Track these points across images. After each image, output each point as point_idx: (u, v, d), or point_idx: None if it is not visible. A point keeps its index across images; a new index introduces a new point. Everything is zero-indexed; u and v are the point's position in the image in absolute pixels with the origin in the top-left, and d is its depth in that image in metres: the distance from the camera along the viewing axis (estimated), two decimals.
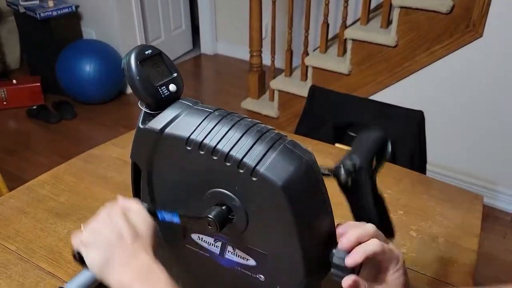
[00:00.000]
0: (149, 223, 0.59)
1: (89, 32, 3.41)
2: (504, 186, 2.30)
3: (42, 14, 3.03)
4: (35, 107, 3.11)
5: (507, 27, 2.01)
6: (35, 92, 3.20)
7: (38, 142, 2.93)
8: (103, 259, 0.55)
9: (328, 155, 1.25)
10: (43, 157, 2.72)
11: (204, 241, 0.66)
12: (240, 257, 0.63)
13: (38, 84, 3.20)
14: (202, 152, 0.57)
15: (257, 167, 0.54)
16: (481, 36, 2.06)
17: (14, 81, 3.21)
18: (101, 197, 1.05)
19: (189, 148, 0.58)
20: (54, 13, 3.09)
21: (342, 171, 0.62)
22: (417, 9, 2.13)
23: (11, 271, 0.84)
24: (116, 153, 1.21)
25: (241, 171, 0.55)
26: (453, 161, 2.38)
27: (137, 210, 0.60)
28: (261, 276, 0.63)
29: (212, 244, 0.65)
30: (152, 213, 0.61)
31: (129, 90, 3.46)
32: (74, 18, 3.31)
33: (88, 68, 3.04)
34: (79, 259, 0.58)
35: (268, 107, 2.86)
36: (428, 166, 1.61)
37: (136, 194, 0.69)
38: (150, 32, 3.60)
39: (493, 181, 2.31)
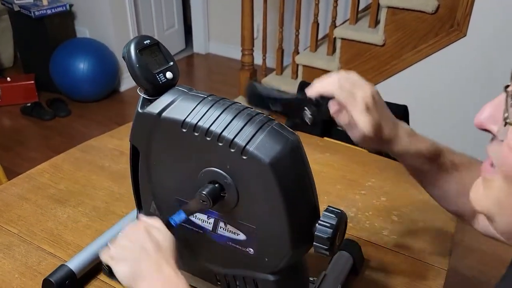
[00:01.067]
0: (169, 237, 0.64)
1: (83, 30, 3.45)
2: None
3: (36, 13, 3.06)
4: (29, 104, 3.15)
5: (490, 26, 2.09)
6: (29, 89, 3.23)
7: (32, 139, 2.96)
8: (130, 272, 0.60)
9: (316, 147, 1.30)
10: (37, 153, 2.75)
11: (198, 218, 0.71)
12: (231, 232, 0.68)
13: (32, 82, 3.23)
14: (196, 134, 0.62)
15: (247, 146, 0.59)
16: (465, 35, 2.13)
17: (8, 78, 3.24)
18: (98, 185, 1.10)
19: (184, 130, 0.63)
20: (48, 12, 3.13)
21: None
22: (404, 9, 2.20)
23: (14, 251, 0.89)
24: (113, 144, 1.26)
25: (232, 150, 0.60)
26: None
27: (157, 227, 0.65)
28: (251, 249, 0.68)
29: (205, 221, 0.71)
30: (169, 225, 0.66)
31: (122, 88, 3.50)
32: (68, 16, 3.34)
33: (82, 66, 3.08)
34: (109, 272, 0.65)
35: None
36: None
37: (135, 175, 0.74)
38: (144, 31, 3.65)
39: None
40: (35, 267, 0.85)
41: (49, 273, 0.78)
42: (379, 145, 0.73)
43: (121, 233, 0.65)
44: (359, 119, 0.67)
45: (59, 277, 0.78)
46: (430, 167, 0.75)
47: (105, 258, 0.64)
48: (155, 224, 0.65)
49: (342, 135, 1.59)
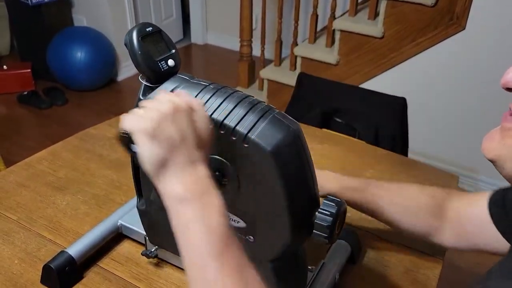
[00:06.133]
0: (210, 131, 0.55)
1: (80, 19, 3.43)
2: (485, 175, 2.39)
3: (33, 0, 3.04)
4: (26, 93, 3.14)
5: (489, 20, 2.09)
6: (26, 78, 3.22)
7: (29, 127, 2.95)
8: (161, 157, 0.50)
9: (315, 138, 1.31)
10: (33, 142, 2.74)
11: None
12: (232, 220, 0.69)
13: (29, 70, 3.22)
14: None
15: (249, 134, 0.60)
16: (464, 28, 2.13)
17: (5, 67, 3.23)
18: (97, 173, 1.10)
19: None
20: (46, 0, 3.10)
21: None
22: (403, 1, 2.20)
23: (14, 238, 0.89)
24: (112, 133, 1.26)
25: (234, 138, 0.60)
26: (434, 150, 2.46)
27: (202, 115, 0.55)
28: (251, 237, 0.69)
29: None
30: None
31: (120, 78, 3.49)
32: (65, 5, 3.32)
33: (79, 54, 3.06)
34: (126, 142, 0.53)
35: (257, 96, 2.84)
36: (410, 154, 1.68)
37: (135, 162, 0.74)
38: (141, 20, 3.62)
39: (474, 170, 2.40)
40: (35, 253, 0.86)
41: (48, 259, 0.79)
42: None
43: (158, 106, 0.52)
44: None
45: (59, 263, 0.78)
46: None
47: (130, 125, 0.51)
48: (200, 111, 0.54)
49: (340, 127, 1.60)
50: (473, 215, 0.77)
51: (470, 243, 0.79)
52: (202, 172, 0.52)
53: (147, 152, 0.50)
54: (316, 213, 0.65)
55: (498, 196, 0.75)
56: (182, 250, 0.51)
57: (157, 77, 0.67)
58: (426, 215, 0.81)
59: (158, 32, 0.68)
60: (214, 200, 0.51)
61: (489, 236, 0.75)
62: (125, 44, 0.66)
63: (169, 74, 0.67)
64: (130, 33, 0.65)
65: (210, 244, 0.49)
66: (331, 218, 0.63)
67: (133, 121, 0.51)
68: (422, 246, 0.92)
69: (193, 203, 0.50)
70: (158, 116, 0.51)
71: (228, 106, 0.62)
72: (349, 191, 0.82)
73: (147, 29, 0.66)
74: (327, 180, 0.83)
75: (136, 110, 0.52)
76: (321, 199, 0.66)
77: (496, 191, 0.77)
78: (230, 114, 0.61)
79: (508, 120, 0.53)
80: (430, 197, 0.83)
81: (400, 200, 0.83)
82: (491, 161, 0.56)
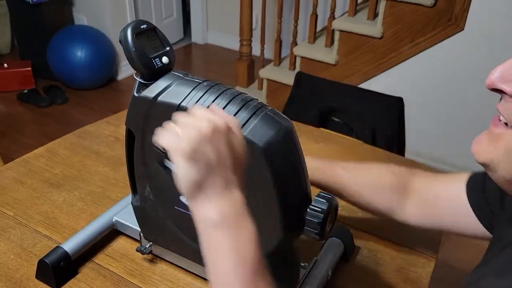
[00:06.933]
0: (245, 153, 0.53)
1: (81, 18, 3.43)
2: None
3: None
4: (25, 91, 3.14)
5: (487, 21, 2.09)
6: (26, 76, 3.22)
7: (28, 125, 2.96)
8: (197, 180, 0.48)
9: (312, 137, 1.31)
10: (33, 140, 2.75)
11: None
12: None
13: (29, 68, 3.22)
14: None
15: (241, 131, 0.60)
16: (462, 29, 2.14)
17: (5, 65, 3.23)
18: (94, 170, 1.11)
19: None
20: None
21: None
22: (402, 1, 2.20)
23: (10, 233, 0.90)
24: (109, 131, 1.26)
25: None
26: (432, 150, 2.47)
27: (239, 136, 0.53)
28: None
29: None
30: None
31: (120, 77, 3.50)
32: (65, 3, 3.33)
33: (79, 53, 3.07)
34: (161, 158, 0.52)
35: (256, 96, 2.89)
36: (407, 155, 1.68)
37: (130, 158, 0.75)
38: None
39: (470, 170, 2.40)
40: (31, 249, 0.86)
41: (44, 255, 0.79)
42: None
43: (197, 124, 0.49)
44: None
45: (54, 258, 0.79)
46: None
47: (167, 142, 0.49)
48: (236, 131, 0.52)
49: (337, 126, 1.61)
50: (447, 196, 0.78)
51: (435, 222, 0.81)
52: (237, 197, 0.51)
53: (183, 173, 0.48)
54: (308, 209, 0.65)
55: (477, 182, 0.75)
56: (211, 272, 0.50)
57: (151, 74, 0.67)
58: (389, 192, 0.82)
59: (152, 30, 0.69)
60: (248, 226, 0.50)
61: (464, 220, 0.76)
62: (120, 41, 0.66)
63: (163, 71, 0.68)
64: (124, 30, 0.66)
65: (241, 272, 0.48)
66: (322, 215, 0.64)
67: (170, 139, 0.49)
68: (415, 244, 0.92)
69: (226, 228, 0.49)
70: (197, 137, 0.48)
71: (221, 102, 0.63)
72: (316, 172, 0.82)
73: (142, 26, 0.67)
74: None
75: (172, 125, 0.50)
76: (312, 195, 0.67)
77: (472, 175, 0.77)
78: (223, 111, 0.62)
79: (497, 124, 0.54)
80: (393, 175, 0.84)
81: (364, 179, 0.84)
82: (483, 164, 0.56)
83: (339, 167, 0.86)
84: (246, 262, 0.49)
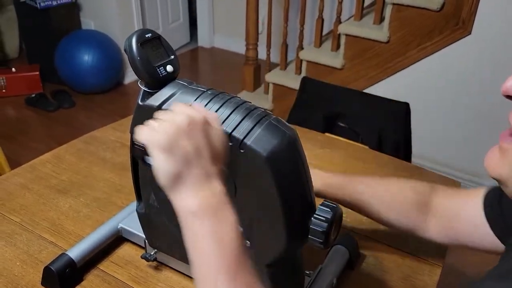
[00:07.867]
0: (226, 145, 0.54)
1: (88, 22, 3.46)
2: (489, 180, 2.37)
3: (42, 4, 3.07)
4: (33, 95, 3.16)
5: (495, 25, 2.08)
6: (34, 80, 3.25)
7: (36, 129, 2.98)
8: (175, 172, 0.50)
9: (317, 142, 1.31)
10: (40, 144, 2.77)
11: None
12: None
13: (37, 73, 3.25)
14: None
15: (245, 140, 0.60)
16: (470, 33, 2.13)
17: (14, 69, 3.26)
18: (99, 176, 1.11)
19: None
20: (54, 3, 3.14)
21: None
22: (409, 6, 2.20)
23: (16, 240, 0.90)
24: (115, 136, 1.27)
25: (230, 144, 0.61)
26: (439, 154, 2.45)
27: (218, 129, 0.54)
28: (247, 242, 0.69)
29: None
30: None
31: (126, 81, 3.52)
32: (73, 8, 3.35)
33: (87, 58, 3.09)
34: (140, 154, 0.53)
35: (262, 100, 2.91)
36: (413, 159, 1.68)
37: (134, 166, 0.75)
38: (148, 24, 3.65)
39: (478, 174, 2.38)
40: (36, 256, 0.87)
41: (50, 262, 0.80)
42: None
43: (174, 118, 0.51)
44: None
45: (60, 265, 0.79)
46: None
47: (144, 138, 0.51)
48: (214, 123, 0.54)
49: (343, 131, 1.61)
50: (466, 215, 0.77)
51: (455, 240, 0.80)
52: (216, 187, 0.52)
53: (161, 166, 0.50)
54: (312, 218, 0.65)
55: (494, 196, 0.74)
56: (193, 264, 0.51)
57: (155, 83, 0.67)
58: (410, 210, 0.81)
59: (157, 38, 0.69)
60: (228, 215, 0.51)
61: (481, 237, 0.75)
62: (125, 50, 0.67)
63: (168, 79, 0.68)
64: (129, 39, 0.66)
65: (222, 259, 0.49)
66: (326, 224, 0.64)
67: (147, 134, 0.51)
68: (421, 252, 0.91)
69: (207, 218, 0.50)
70: (173, 130, 0.50)
71: (225, 111, 0.63)
72: (332, 189, 0.82)
73: (146, 35, 0.67)
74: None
75: (151, 122, 0.52)
76: (317, 204, 0.66)
77: (491, 189, 0.76)
78: (227, 120, 0.62)
79: (507, 140, 0.52)
80: (414, 191, 0.83)
81: (384, 195, 0.83)
82: (495, 179, 0.55)
83: (357, 182, 0.85)
84: (228, 251, 0.49)
